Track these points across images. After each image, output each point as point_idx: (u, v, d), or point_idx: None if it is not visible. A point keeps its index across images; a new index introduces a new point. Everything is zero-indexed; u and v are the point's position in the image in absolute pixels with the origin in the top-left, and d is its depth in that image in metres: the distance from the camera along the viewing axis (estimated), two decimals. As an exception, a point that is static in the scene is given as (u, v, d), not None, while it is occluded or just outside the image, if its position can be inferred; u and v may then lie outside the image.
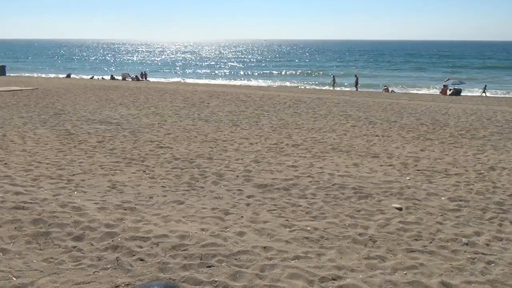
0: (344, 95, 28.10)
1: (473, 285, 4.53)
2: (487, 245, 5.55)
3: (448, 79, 37.09)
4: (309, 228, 5.87)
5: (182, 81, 47.51)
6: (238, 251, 5.06)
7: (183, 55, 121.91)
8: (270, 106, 19.73)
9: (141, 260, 4.79)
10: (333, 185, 7.92)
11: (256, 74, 63.47)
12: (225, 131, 13.17)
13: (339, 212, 6.56)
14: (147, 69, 56.60)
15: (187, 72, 67.58)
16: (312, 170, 8.90)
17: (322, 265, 4.84)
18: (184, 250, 5.04)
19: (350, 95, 28.34)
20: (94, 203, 6.56)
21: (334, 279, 4.54)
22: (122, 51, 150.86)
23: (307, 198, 7.21)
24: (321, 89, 37.83)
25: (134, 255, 4.87)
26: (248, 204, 6.82)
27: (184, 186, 7.67)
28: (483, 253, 5.29)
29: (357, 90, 36.07)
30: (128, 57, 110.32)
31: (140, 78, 43.61)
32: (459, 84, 34.74)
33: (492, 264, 5.01)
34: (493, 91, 38.02)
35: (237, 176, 8.34)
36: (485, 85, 36.31)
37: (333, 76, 40.76)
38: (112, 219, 5.86)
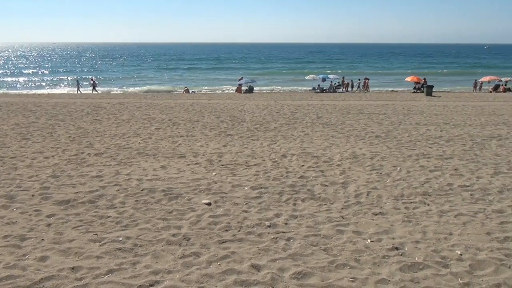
0: (146, 98, 27.82)
1: (277, 261, 5.04)
2: (286, 224, 6.25)
3: (242, 78, 40.12)
4: (121, 239, 5.62)
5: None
6: (42, 279, 4.53)
7: None
8: (66, 115, 18.19)
9: None
10: (142, 190, 7.77)
11: (45, 81, 57.42)
12: (12, 147, 11.58)
13: (151, 217, 6.47)
14: None
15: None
16: (119, 178, 8.55)
17: (138, 273, 4.70)
18: (-30, 291, 4.26)
19: (152, 98, 28.20)
20: None
21: (151, 285, 4.46)
22: None
23: (116, 207, 6.89)
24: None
25: None
26: (49, 225, 6.14)
27: (-36, 216, 6.46)
28: (283, 232, 5.93)
29: (97, 92, 36.31)
30: None
31: None
32: (251, 82, 37.96)
33: (291, 240, 5.67)
34: (278, 88, 43.21)
35: (33, 196, 7.43)
36: (368, 79, 39.86)
37: (77, 81, 39.79)
38: None
